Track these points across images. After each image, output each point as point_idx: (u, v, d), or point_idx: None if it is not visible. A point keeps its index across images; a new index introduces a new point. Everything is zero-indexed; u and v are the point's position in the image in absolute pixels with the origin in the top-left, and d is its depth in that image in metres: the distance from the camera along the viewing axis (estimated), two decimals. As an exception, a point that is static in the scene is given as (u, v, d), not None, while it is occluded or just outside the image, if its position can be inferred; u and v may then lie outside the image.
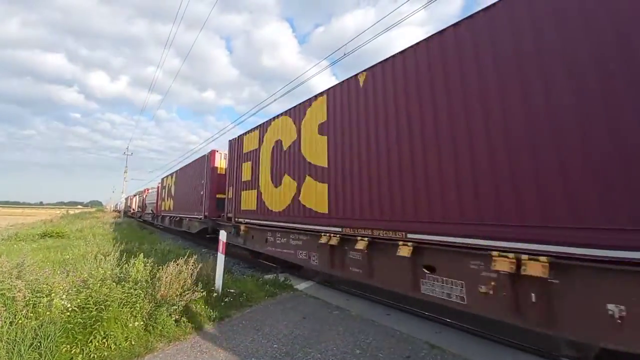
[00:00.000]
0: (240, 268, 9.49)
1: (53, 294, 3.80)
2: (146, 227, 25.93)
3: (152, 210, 26.87)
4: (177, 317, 4.47)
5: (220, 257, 5.64)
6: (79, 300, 3.97)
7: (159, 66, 27.10)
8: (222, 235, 5.78)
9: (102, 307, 3.86)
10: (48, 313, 3.56)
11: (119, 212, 51.22)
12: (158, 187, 24.41)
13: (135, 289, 4.47)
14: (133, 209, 42.97)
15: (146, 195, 32.22)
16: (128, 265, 5.56)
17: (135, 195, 44.37)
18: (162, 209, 21.78)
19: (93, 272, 4.64)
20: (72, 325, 3.61)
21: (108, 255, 6.81)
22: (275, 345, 3.91)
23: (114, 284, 4.54)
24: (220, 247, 5.72)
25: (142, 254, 5.75)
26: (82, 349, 3.51)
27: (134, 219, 38.59)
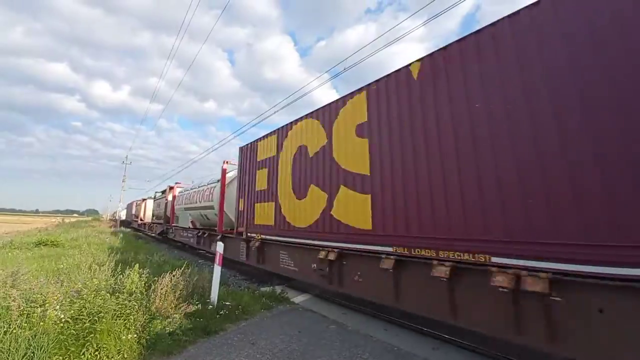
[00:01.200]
0: (237, 280, 9.40)
1: (47, 304, 3.76)
2: (141, 237, 25.45)
3: (193, 223, 14.70)
4: (171, 329, 4.41)
5: (217, 269, 5.60)
6: (72, 311, 3.93)
7: (162, 77, 27.40)
8: (219, 247, 5.75)
9: (96, 318, 3.82)
10: (42, 323, 3.51)
11: (115, 221, 46.99)
12: (223, 171, 11.12)
13: (129, 301, 4.43)
14: (141, 219, 29.66)
15: (175, 197, 17.95)
16: (123, 276, 5.52)
17: (145, 200, 30.03)
18: (286, 226, 7.13)
19: (87, 283, 4.60)
20: (65, 337, 3.56)
21: (103, 266, 6.76)
22: (270, 360, 3.85)
23: (108, 295, 4.50)
24: (217, 259, 5.68)
25: (137, 264, 5.70)
26: (74, 362, 3.45)
27: (141, 233, 29.42)
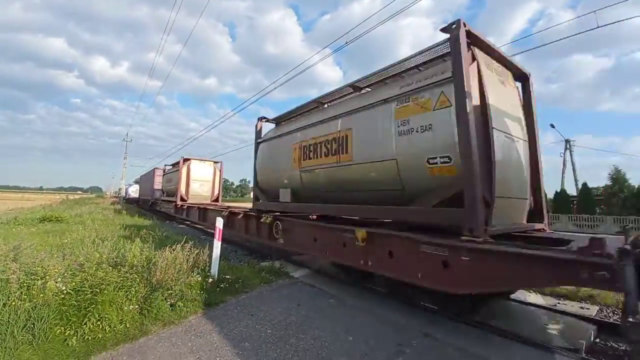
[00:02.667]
0: (238, 255, 9.53)
1: (47, 277, 3.80)
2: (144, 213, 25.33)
3: None
4: (172, 301, 4.48)
5: (217, 244, 5.64)
6: (74, 284, 3.99)
7: (158, 52, 26.62)
8: (219, 222, 5.77)
9: (97, 290, 3.87)
10: (42, 295, 3.56)
11: (117, 198, 43.00)
12: None
13: (130, 273, 4.49)
14: (183, 199, 16.03)
15: None
16: (124, 250, 5.58)
17: (188, 161, 16.70)
18: None
19: (89, 256, 4.64)
20: (66, 308, 3.63)
21: (105, 240, 6.83)
22: (269, 331, 3.93)
23: (110, 267, 4.55)
24: (217, 234, 5.71)
25: (138, 239, 5.75)
26: (77, 331, 3.52)
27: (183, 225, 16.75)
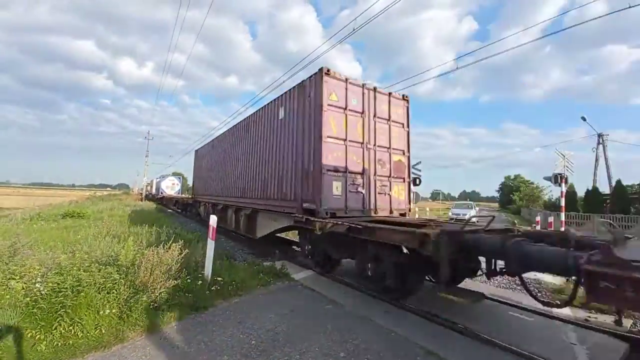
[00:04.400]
0: (244, 254, 9.28)
1: (18, 277, 3.61)
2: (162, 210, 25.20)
3: None
4: (157, 305, 4.21)
5: (210, 244, 5.34)
6: (50, 285, 3.77)
7: (170, 49, 26.63)
8: (212, 221, 5.47)
9: (72, 292, 3.64)
10: (7, 297, 3.36)
11: (140, 195, 38.46)
12: None
13: (114, 274, 4.25)
14: None
15: None
16: (117, 248, 5.39)
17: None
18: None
19: (73, 256, 4.45)
20: (35, 310, 3.41)
21: (106, 237, 6.72)
22: (253, 342, 3.56)
23: (102, 266, 4.33)
24: (210, 232, 5.42)
25: (131, 237, 5.54)
26: (46, 336, 3.30)
27: None
